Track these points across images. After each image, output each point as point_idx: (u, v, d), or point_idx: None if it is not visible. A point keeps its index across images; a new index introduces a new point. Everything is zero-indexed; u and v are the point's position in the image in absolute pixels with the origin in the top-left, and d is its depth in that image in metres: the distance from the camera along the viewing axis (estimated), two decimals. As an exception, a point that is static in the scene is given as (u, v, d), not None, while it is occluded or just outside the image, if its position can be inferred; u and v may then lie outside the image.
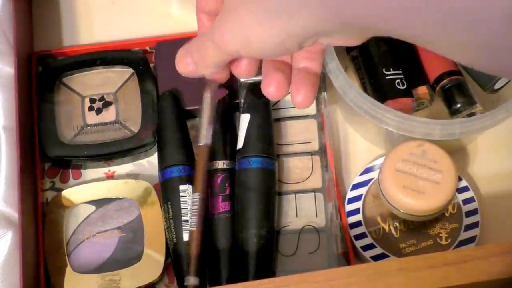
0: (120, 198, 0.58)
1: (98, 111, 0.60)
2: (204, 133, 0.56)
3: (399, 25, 0.35)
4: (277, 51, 0.42)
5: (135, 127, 0.59)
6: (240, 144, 0.56)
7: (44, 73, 0.61)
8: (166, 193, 0.56)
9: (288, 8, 0.39)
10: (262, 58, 0.46)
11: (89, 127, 0.59)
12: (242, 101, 0.58)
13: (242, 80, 0.59)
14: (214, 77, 0.49)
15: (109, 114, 0.60)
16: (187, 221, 0.55)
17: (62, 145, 0.58)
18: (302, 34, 0.40)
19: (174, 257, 0.55)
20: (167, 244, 0.56)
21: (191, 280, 0.53)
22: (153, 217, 0.57)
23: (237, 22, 0.43)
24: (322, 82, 0.60)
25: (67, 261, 0.55)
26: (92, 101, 0.60)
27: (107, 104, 0.60)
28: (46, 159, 0.59)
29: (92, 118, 0.60)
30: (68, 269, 0.55)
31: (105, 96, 0.60)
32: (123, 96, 0.60)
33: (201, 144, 0.56)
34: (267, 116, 0.57)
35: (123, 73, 0.61)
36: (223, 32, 0.45)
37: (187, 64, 0.48)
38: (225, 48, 0.45)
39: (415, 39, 0.37)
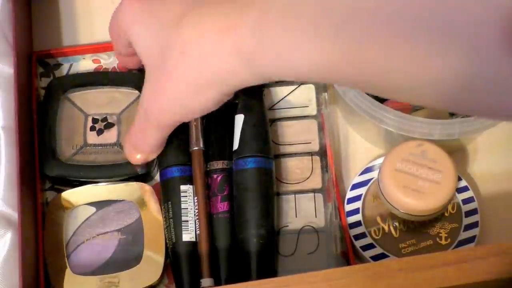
0: (120, 200, 0.57)
1: (99, 132, 0.59)
2: (194, 138, 0.56)
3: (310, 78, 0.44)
4: (216, 107, 0.49)
5: None
6: (235, 145, 0.56)
7: (50, 87, 0.60)
8: (167, 192, 0.56)
9: (216, 77, 0.45)
10: (200, 115, 0.52)
11: (88, 147, 0.59)
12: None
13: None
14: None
15: (110, 136, 0.59)
16: (187, 221, 0.55)
17: (59, 164, 0.57)
18: (235, 89, 0.47)
19: (173, 257, 0.55)
20: (166, 247, 0.56)
21: (207, 281, 0.53)
22: (153, 220, 0.56)
23: (172, 101, 0.49)
24: (322, 83, 0.60)
25: (67, 263, 0.55)
26: (95, 121, 0.59)
27: (109, 125, 0.59)
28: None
29: (92, 138, 0.59)
30: (68, 271, 0.55)
31: (108, 117, 0.59)
32: (127, 118, 0.59)
33: (194, 149, 0.56)
34: (261, 116, 0.57)
35: (129, 94, 0.60)
36: (162, 114, 0.50)
37: (137, 159, 0.55)
38: (166, 125, 0.51)
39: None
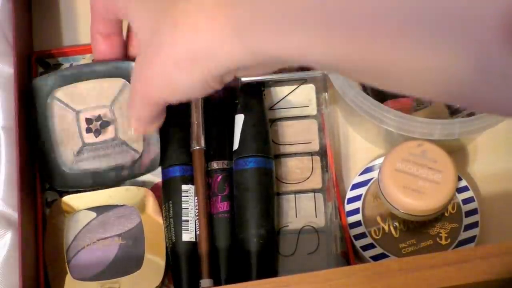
0: (121, 205, 0.57)
1: (97, 133, 0.57)
2: (195, 137, 0.56)
3: (315, 59, 0.38)
4: (202, 91, 0.46)
5: (137, 145, 0.57)
6: (236, 145, 0.56)
7: (34, 90, 0.57)
8: (168, 192, 0.56)
9: (205, 51, 0.42)
10: (188, 99, 0.49)
11: (90, 152, 0.57)
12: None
13: (243, 79, 0.59)
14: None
15: (109, 135, 0.58)
16: (188, 221, 0.55)
17: (67, 176, 0.56)
18: (223, 71, 0.43)
19: (172, 257, 0.55)
20: (167, 250, 0.55)
21: (206, 282, 0.53)
22: (154, 225, 0.56)
23: (158, 75, 0.46)
24: (322, 83, 0.60)
25: (67, 268, 0.55)
26: (89, 121, 0.57)
27: (105, 124, 0.57)
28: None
29: (91, 140, 0.57)
30: (68, 276, 0.55)
31: (102, 115, 0.57)
32: (120, 109, 0.58)
33: (195, 148, 0.56)
34: (262, 116, 0.57)
35: (116, 82, 0.58)
36: (147, 89, 0.48)
37: (136, 128, 0.53)
38: (151, 101, 0.49)
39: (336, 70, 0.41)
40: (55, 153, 0.57)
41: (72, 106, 0.58)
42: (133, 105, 0.51)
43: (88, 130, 0.58)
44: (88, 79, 0.58)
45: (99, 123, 0.58)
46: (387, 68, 0.36)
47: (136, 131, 0.53)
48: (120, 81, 0.58)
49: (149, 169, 0.57)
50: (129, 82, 0.57)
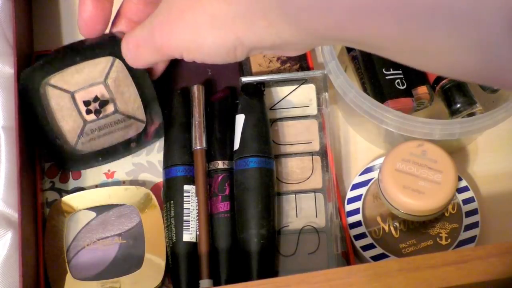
0: (120, 205, 0.57)
1: (97, 113, 0.56)
2: (197, 137, 0.56)
3: (359, 32, 0.34)
4: (224, 58, 0.42)
5: (140, 116, 0.57)
6: (236, 145, 0.56)
7: (26, 81, 0.55)
8: (170, 191, 0.56)
9: (246, 17, 0.39)
10: (206, 62, 0.45)
11: (95, 132, 0.57)
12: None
13: (243, 80, 0.59)
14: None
15: (109, 112, 0.57)
16: (189, 221, 0.55)
17: (77, 158, 0.57)
18: (256, 44, 0.40)
19: (172, 257, 0.55)
20: (167, 251, 0.55)
21: (206, 283, 0.53)
22: (154, 224, 0.56)
23: (186, 28, 0.43)
24: (323, 83, 0.60)
25: (67, 268, 0.55)
26: (87, 103, 0.56)
27: (104, 103, 0.56)
28: (46, 159, 0.59)
29: (93, 120, 0.57)
30: (68, 276, 0.55)
31: (98, 96, 0.56)
32: (114, 81, 0.56)
33: (196, 148, 0.56)
34: (262, 116, 0.57)
35: (104, 59, 0.56)
36: (169, 38, 0.44)
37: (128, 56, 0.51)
38: (167, 52, 0.46)
39: (376, 47, 0.35)
40: (60, 139, 0.56)
41: (66, 88, 0.56)
42: (142, 45, 0.48)
43: (88, 112, 0.56)
44: (77, 62, 0.55)
45: (97, 103, 0.56)
46: (422, 48, 0.34)
47: (129, 54, 0.51)
48: (109, 58, 0.56)
49: (155, 138, 0.58)
50: (117, 57, 0.55)
